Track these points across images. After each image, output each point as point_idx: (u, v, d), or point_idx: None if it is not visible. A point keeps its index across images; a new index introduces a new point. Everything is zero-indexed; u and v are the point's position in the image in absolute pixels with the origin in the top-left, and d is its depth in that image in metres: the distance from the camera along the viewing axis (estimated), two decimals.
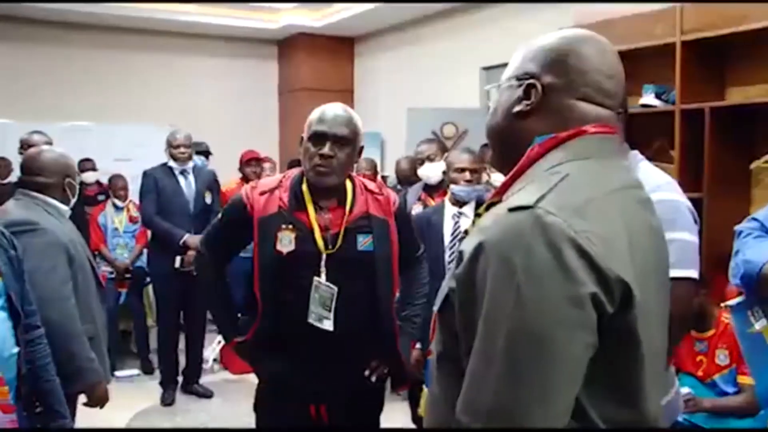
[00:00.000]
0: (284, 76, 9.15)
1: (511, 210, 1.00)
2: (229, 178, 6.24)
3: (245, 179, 5.88)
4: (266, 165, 6.32)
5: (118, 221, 6.01)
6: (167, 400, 5.10)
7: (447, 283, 1.10)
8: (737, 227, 2.36)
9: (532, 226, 0.97)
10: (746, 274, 2.19)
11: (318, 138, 2.34)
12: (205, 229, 2.72)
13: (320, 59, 8.74)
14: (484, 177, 5.28)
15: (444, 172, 3.79)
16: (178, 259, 4.94)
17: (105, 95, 8.05)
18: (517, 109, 1.18)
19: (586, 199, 1.03)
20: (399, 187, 5.37)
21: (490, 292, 0.98)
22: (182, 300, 5.13)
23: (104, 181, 6.49)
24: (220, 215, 2.60)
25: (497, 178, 4.50)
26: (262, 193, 2.42)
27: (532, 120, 1.17)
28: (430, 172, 4.33)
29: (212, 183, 5.22)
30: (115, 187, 6.06)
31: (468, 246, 1.04)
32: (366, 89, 8.81)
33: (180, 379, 5.35)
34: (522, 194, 1.05)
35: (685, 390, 3.16)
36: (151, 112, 8.09)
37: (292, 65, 8.94)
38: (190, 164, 5.09)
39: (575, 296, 0.95)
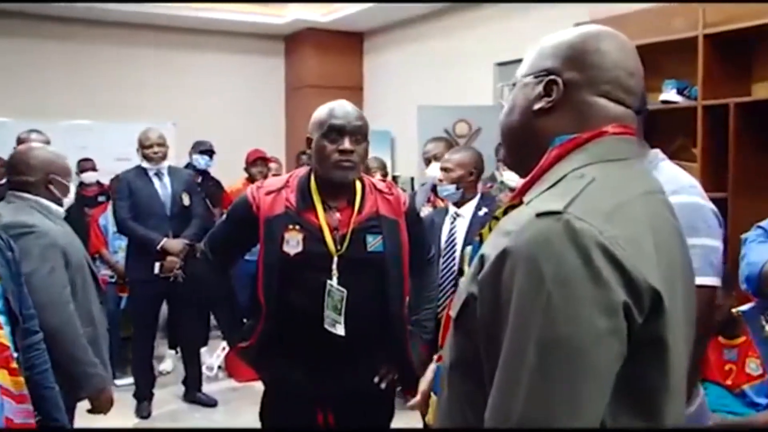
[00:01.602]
0: (291, 72, 9.16)
1: (539, 215, 1.00)
2: (233, 178, 6.27)
3: (251, 179, 5.89)
4: (272, 165, 6.33)
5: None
6: (143, 413, 5.04)
7: (466, 288, 1.10)
8: (743, 235, 2.39)
9: (561, 232, 0.97)
10: (749, 275, 2.22)
11: (336, 133, 2.36)
12: (207, 231, 2.73)
13: (328, 55, 8.75)
14: (498, 176, 5.30)
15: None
16: (157, 265, 4.90)
17: (106, 92, 8.06)
18: (537, 106, 1.18)
19: (615, 204, 1.03)
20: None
21: (518, 300, 0.98)
22: (159, 307, 5.14)
23: (105, 181, 6.52)
24: (225, 216, 2.62)
25: (509, 177, 4.50)
26: (268, 193, 2.44)
27: (552, 118, 1.17)
28: (437, 172, 4.35)
29: (190, 184, 5.20)
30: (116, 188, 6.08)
31: (491, 250, 1.03)
32: (375, 86, 8.81)
33: (182, 388, 5.35)
34: (548, 199, 1.04)
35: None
36: (153, 109, 8.09)
37: (299, 61, 8.95)
38: (165, 165, 5.05)
39: (607, 304, 0.95)
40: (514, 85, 1.26)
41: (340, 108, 2.39)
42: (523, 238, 0.99)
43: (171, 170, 5.11)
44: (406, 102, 7.81)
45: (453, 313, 1.13)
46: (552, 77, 1.17)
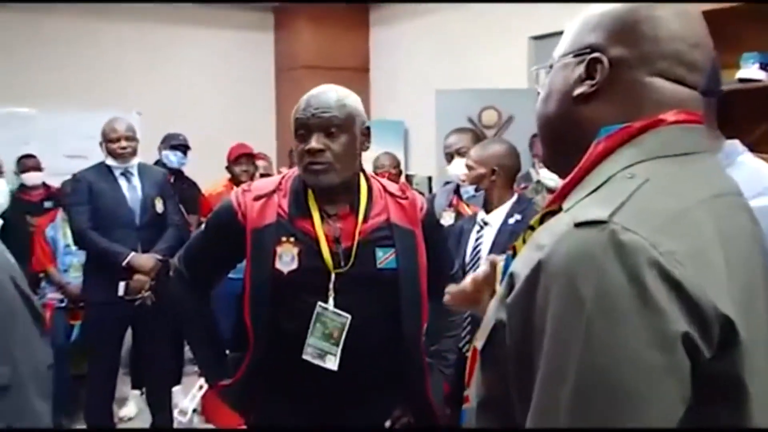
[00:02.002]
0: (282, 50, 9.22)
1: (579, 225, 1.00)
2: (212, 178, 6.28)
3: (235, 180, 5.91)
4: (260, 163, 6.34)
5: (71, 235, 6.00)
6: None
7: (493, 314, 1.11)
8: None
9: (605, 246, 0.97)
10: None
11: (302, 130, 2.39)
12: (183, 243, 2.74)
13: (327, 29, 8.81)
14: (533, 174, 5.32)
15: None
16: (122, 285, 4.86)
17: (52, 74, 7.98)
18: (578, 91, 1.19)
19: (673, 211, 1.02)
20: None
21: (553, 329, 0.98)
22: (122, 337, 5.11)
23: (53, 183, 6.48)
24: (203, 225, 2.63)
25: (548, 175, 4.52)
26: (256, 198, 2.46)
27: (596, 105, 1.18)
28: (460, 170, 4.34)
29: (164, 186, 5.21)
30: (66, 192, 5.98)
31: (522, 268, 1.05)
32: (384, 67, 8.86)
33: None
34: (590, 204, 1.05)
35: None
36: (114, 96, 8.07)
37: (291, 37, 9.01)
38: (135, 162, 5.06)
39: (662, 336, 0.93)
40: (551, 67, 1.27)
41: (312, 97, 2.41)
42: (559, 252, 1.00)
43: (141, 169, 5.11)
44: (421, 85, 7.84)
45: (479, 344, 1.15)
46: (595, 55, 1.18)
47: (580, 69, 1.19)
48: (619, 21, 1.18)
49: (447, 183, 4.83)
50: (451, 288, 1.78)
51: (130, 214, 4.96)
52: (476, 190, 3.75)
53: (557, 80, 1.24)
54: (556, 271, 0.99)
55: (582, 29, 1.23)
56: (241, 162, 6.06)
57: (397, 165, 5.71)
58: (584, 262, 0.97)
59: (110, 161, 4.99)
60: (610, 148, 1.14)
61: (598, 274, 0.95)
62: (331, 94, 2.41)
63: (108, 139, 4.99)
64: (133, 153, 5.03)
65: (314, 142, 2.35)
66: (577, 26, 1.24)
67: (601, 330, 0.94)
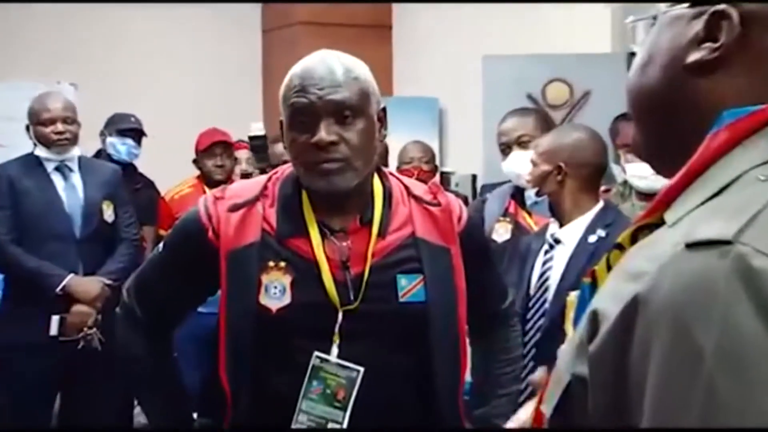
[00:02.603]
0: (271, 2, 9.25)
1: (692, 246, 0.97)
2: (175, 176, 6.32)
3: (205, 179, 5.93)
4: (241, 155, 6.36)
5: None
6: None
7: (567, 367, 1.11)
8: None
9: (730, 275, 0.93)
10: None
11: (303, 117, 2.37)
12: (117, 265, 2.75)
13: None
14: (616, 171, 5.29)
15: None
16: (54, 320, 4.83)
17: None
18: (692, 57, 1.16)
19: None
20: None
21: (657, 389, 0.96)
22: (53, 395, 5.09)
23: None
24: (162, 245, 2.64)
25: (636, 173, 4.48)
26: (233, 209, 2.45)
27: (718, 78, 1.15)
28: (521, 167, 4.33)
29: (115, 186, 5.21)
30: None
31: (610, 304, 1.04)
32: (412, 24, 8.87)
33: None
34: (707, 217, 1.02)
35: None
36: (38, 62, 8.12)
37: None
38: (75, 153, 5.07)
39: None
40: (654, 19, 1.25)
41: (309, 70, 2.38)
42: (665, 283, 0.97)
43: (84, 163, 5.12)
44: (463, 50, 7.85)
45: (547, 408, 1.14)
46: (721, 7, 1.15)
47: (698, 26, 1.16)
48: None
49: (505, 182, 4.75)
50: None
51: (68, 223, 4.96)
52: (537, 194, 3.71)
53: (663, 41, 1.21)
54: (662, 310, 0.96)
55: None
56: (215, 153, 6.06)
57: (431, 158, 5.72)
58: (701, 298, 0.94)
59: (40, 151, 4.99)
60: (735, 139, 1.10)
61: (721, 315, 0.92)
62: (336, 65, 2.38)
63: (38, 121, 4.97)
64: (74, 141, 5.03)
65: (324, 133, 2.32)
66: None
67: (728, 392, 0.91)
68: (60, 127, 4.95)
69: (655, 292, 0.97)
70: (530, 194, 3.76)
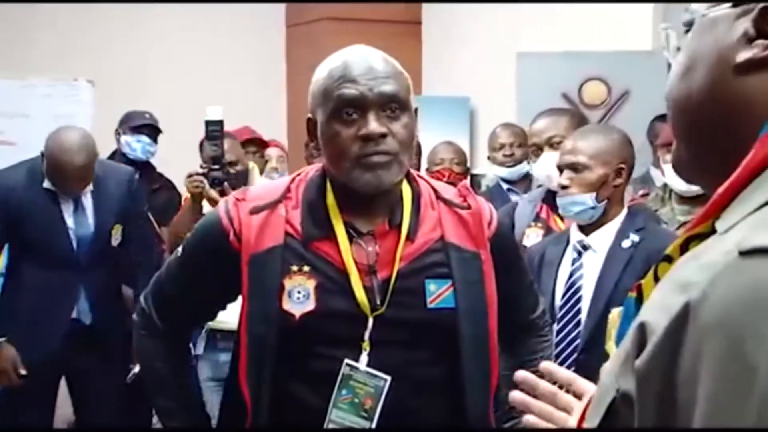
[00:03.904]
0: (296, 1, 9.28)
1: (747, 254, 0.96)
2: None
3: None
4: (271, 152, 6.36)
5: None
6: None
7: (612, 382, 1.10)
8: None
9: None
10: None
11: (351, 108, 2.36)
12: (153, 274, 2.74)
13: None
14: (655, 174, 5.26)
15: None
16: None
17: None
18: (744, 56, 1.14)
19: None
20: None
21: (707, 406, 0.95)
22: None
23: None
24: (180, 249, 2.64)
25: (672, 182, 4.44)
26: (254, 211, 2.45)
27: (763, 78, 1.14)
28: (553, 169, 4.28)
29: (127, 198, 5.05)
30: None
31: (658, 316, 1.02)
32: (443, 20, 8.88)
33: None
34: (762, 222, 1.01)
35: None
36: (53, 56, 8.14)
37: None
38: (87, 188, 4.93)
39: None
40: (689, 25, 1.24)
41: (358, 62, 2.39)
42: (717, 293, 0.96)
43: (97, 180, 4.93)
44: (496, 47, 7.87)
45: (589, 425, 1.14)
46: None
47: (744, 24, 1.15)
48: None
49: (539, 186, 4.73)
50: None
51: (70, 250, 4.90)
52: (597, 199, 3.63)
53: (706, 43, 1.20)
54: (714, 322, 0.95)
55: None
56: (247, 152, 6.06)
57: (463, 160, 5.72)
58: (756, 310, 0.92)
59: (49, 185, 4.82)
60: None
61: None
62: (379, 59, 2.41)
63: (53, 166, 4.75)
64: (89, 183, 4.88)
65: (374, 124, 2.32)
66: None
67: None
68: (74, 176, 4.76)
69: (706, 302, 0.96)
70: (576, 199, 3.63)
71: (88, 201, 4.95)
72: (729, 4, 1.17)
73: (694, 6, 1.24)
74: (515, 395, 1.78)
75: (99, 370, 4.92)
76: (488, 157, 5.79)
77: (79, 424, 5.50)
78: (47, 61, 8.11)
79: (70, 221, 4.90)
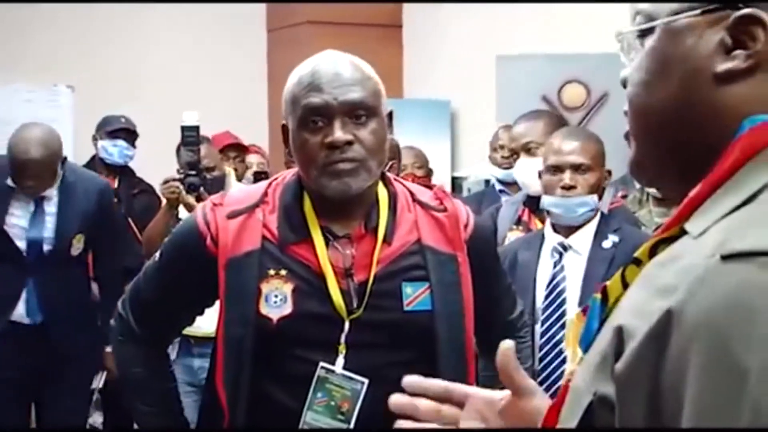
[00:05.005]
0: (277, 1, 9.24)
1: (728, 258, 0.96)
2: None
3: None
4: (253, 159, 6.35)
5: None
6: None
7: (587, 386, 1.10)
8: None
9: None
10: None
11: (314, 117, 2.37)
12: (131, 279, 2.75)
13: None
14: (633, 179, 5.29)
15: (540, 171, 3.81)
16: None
17: None
18: (725, 66, 1.14)
19: None
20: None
21: (696, 412, 0.94)
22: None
23: None
24: (158, 255, 2.64)
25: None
26: (232, 216, 2.45)
27: (746, 87, 1.14)
28: (530, 176, 4.26)
29: (95, 212, 5.02)
30: None
31: (638, 320, 1.02)
32: (423, 23, 8.84)
33: None
34: (741, 226, 1.01)
35: None
36: (31, 61, 8.08)
37: None
38: (53, 190, 4.89)
39: None
40: (642, 34, 1.24)
41: (323, 69, 2.40)
42: (700, 298, 0.96)
43: (66, 185, 4.88)
44: (476, 50, 7.84)
45: (563, 427, 1.15)
46: (748, 11, 1.13)
47: (719, 34, 1.15)
48: None
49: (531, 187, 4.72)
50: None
51: (14, 249, 4.84)
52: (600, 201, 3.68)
53: (676, 52, 1.19)
54: (699, 326, 0.95)
55: None
56: (228, 156, 6.11)
57: (424, 163, 5.71)
58: (741, 313, 0.92)
59: (11, 182, 4.79)
60: (761, 145, 1.08)
61: (764, 333, 0.91)
62: (347, 65, 2.42)
63: (14, 167, 4.74)
64: (50, 183, 4.83)
65: (340, 132, 2.34)
66: None
67: None
68: (30, 183, 4.75)
69: (690, 306, 0.96)
70: (587, 201, 3.63)
71: (51, 205, 4.89)
72: (699, 10, 1.16)
73: (643, 6, 1.24)
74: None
75: (59, 377, 4.89)
76: (489, 157, 5.80)
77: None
78: (27, 67, 8.07)
79: (23, 221, 4.85)
